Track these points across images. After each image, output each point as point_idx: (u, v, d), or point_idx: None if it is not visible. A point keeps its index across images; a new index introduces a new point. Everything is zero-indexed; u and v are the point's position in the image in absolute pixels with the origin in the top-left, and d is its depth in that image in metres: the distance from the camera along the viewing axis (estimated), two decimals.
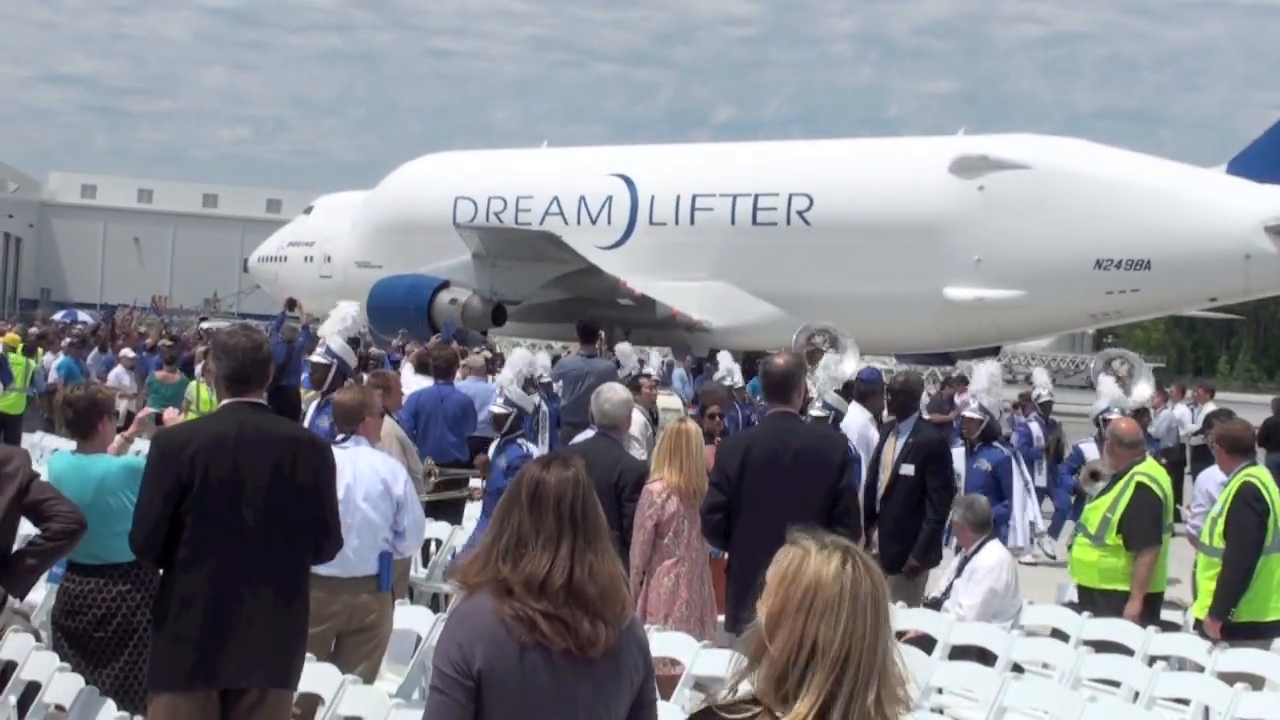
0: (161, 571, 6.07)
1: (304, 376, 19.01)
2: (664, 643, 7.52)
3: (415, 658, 7.87)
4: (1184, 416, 23.52)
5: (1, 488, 6.38)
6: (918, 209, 37.32)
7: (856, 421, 13.69)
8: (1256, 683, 8.19)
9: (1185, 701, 7.94)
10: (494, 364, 27.52)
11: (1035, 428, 19.18)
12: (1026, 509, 12.73)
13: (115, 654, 6.95)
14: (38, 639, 7.12)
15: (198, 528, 5.86)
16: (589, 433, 9.68)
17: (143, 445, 7.37)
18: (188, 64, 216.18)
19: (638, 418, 12.75)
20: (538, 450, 10.98)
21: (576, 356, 18.77)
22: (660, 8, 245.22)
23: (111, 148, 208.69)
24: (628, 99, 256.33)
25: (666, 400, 16.71)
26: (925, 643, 8.76)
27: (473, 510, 12.15)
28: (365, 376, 14.20)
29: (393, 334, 33.09)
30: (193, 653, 5.83)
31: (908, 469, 10.79)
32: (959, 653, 8.64)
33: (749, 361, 29.33)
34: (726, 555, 8.72)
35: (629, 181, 43.16)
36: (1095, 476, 12.89)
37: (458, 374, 15.74)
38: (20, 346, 22.16)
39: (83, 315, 55.70)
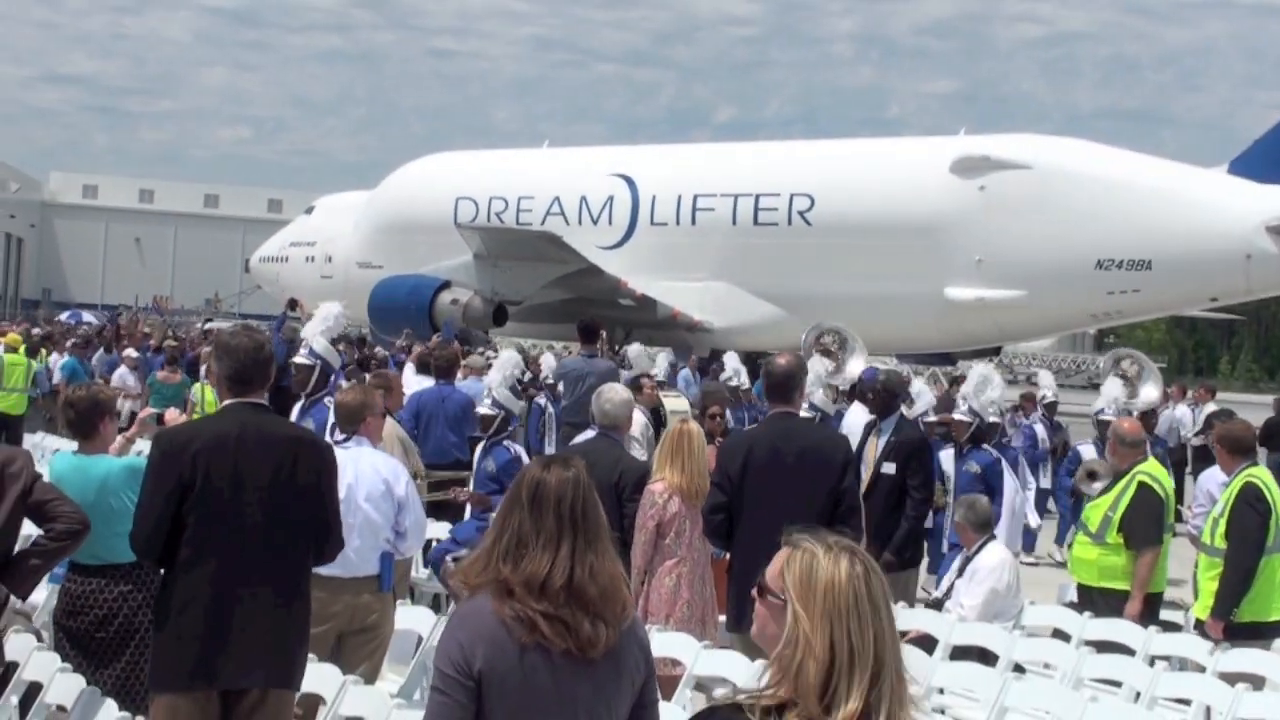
0: (162, 572, 6.07)
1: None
2: (665, 643, 7.52)
3: (416, 658, 7.87)
4: (1185, 417, 23.53)
5: (5, 489, 6.37)
6: (919, 209, 37.29)
7: (858, 421, 13.70)
8: (1258, 683, 8.19)
9: (1186, 702, 7.94)
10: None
11: (1040, 429, 19.15)
12: (1018, 512, 12.68)
13: (117, 654, 6.95)
14: (39, 639, 7.13)
15: (199, 528, 5.86)
16: (590, 433, 9.68)
17: (144, 446, 7.37)
18: (188, 64, 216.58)
19: (638, 418, 12.74)
20: (524, 451, 10.94)
21: (577, 357, 18.76)
22: (661, 8, 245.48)
23: (112, 148, 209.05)
24: (629, 99, 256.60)
25: (674, 403, 16.68)
26: (926, 643, 8.76)
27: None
28: (367, 377, 14.22)
29: (394, 334, 33.07)
30: (194, 653, 5.83)
31: (889, 468, 10.83)
32: (960, 653, 8.64)
33: (750, 362, 29.33)
34: (728, 556, 8.72)
35: (630, 182, 43.14)
36: (1092, 477, 12.88)
37: (459, 374, 15.75)
38: (23, 347, 22.14)
39: (87, 316, 55.76)
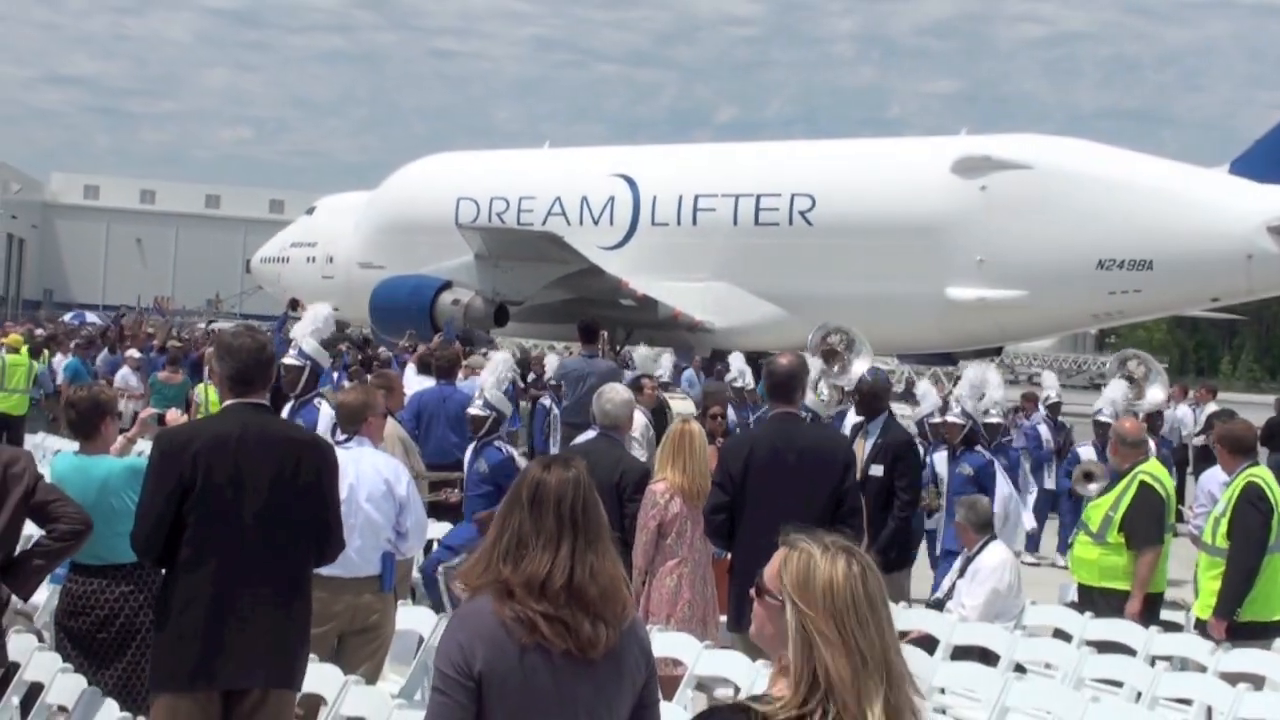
0: (163, 572, 6.07)
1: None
2: (666, 643, 7.52)
3: (418, 658, 7.87)
4: (1186, 417, 23.53)
5: (9, 489, 6.38)
6: (920, 209, 37.29)
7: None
8: (1259, 683, 8.20)
9: (1188, 702, 7.94)
10: None
11: (1045, 430, 19.13)
12: (1012, 515, 12.63)
13: (118, 655, 6.95)
14: (40, 640, 7.13)
15: (199, 528, 5.86)
16: (591, 433, 9.68)
17: (145, 446, 7.38)
18: (190, 65, 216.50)
19: (638, 418, 12.74)
20: (516, 452, 10.93)
21: (578, 357, 18.77)
22: (662, 8, 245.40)
23: (114, 148, 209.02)
24: (630, 99, 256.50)
25: (681, 405, 16.66)
26: (928, 643, 8.76)
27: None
28: (369, 377, 14.22)
29: (395, 335, 33.07)
30: (194, 653, 5.83)
31: (877, 469, 10.83)
32: (961, 653, 8.64)
33: (752, 363, 29.30)
34: (729, 555, 8.72)
35: (631, 182, 43.14)
36: (1088, 478, 12.87)
37: (460, 374, 15.76)
38: (25, 348, 22.13)
39: (91, 316, 55.82)
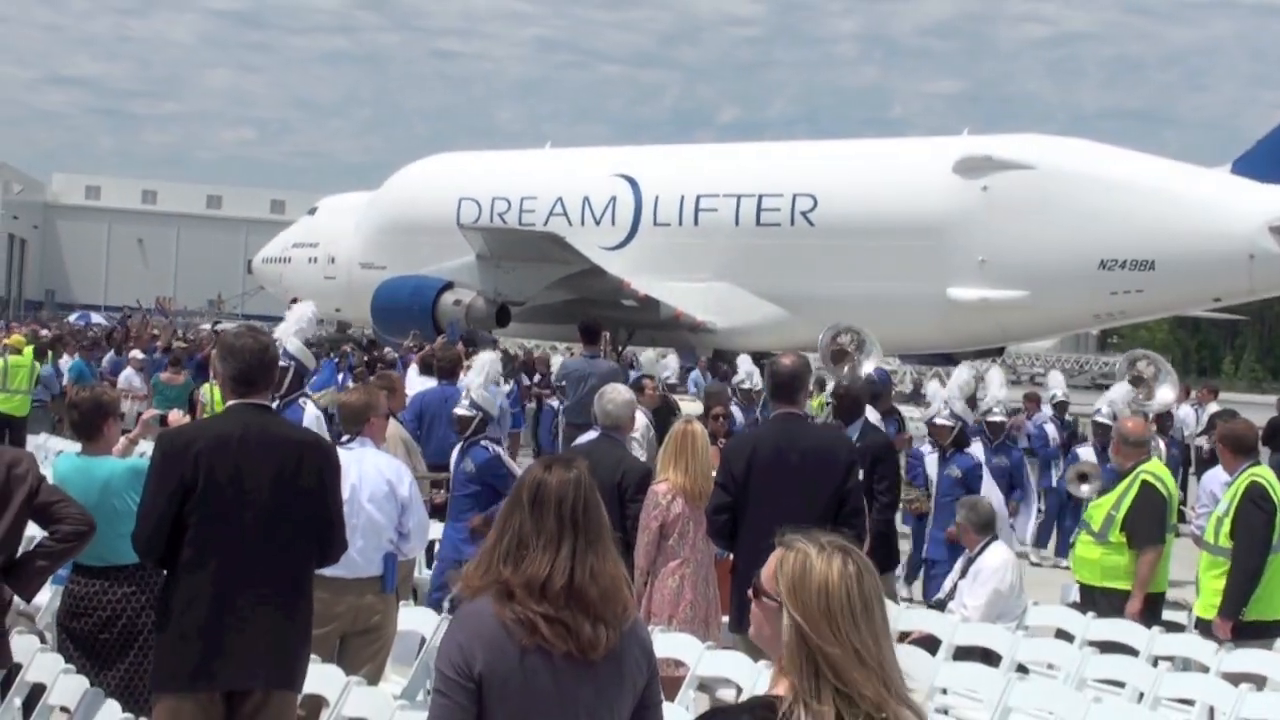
0: (165, 573, 6.07)
1: (322, 376, 19.07)
2: (668, 644, 7.52)
3: (419, 659, 7.86)
4: (1188, 417, 23.50)
5: (13, 490, 6.38)
6: (922, 209, 37.29)
7: None
8: (1261, 683, 8.19)
9: (1190, 702, 7.94)
10: (502, 365, 27.56)
11: (1051, 429, 19.12)
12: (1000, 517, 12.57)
13: (120, 656, 6.96)
14: (43, 641, 7.13)
15: (201, 529, 5.86)
16: (592, 433, 9.68)
17: (147, 447, 7.38)
18: (192, 66, 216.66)
19: (639, 419, 12.74)
20: (504, 450, 10.94)
21: (579, 358, 18.77)
22: (664, 9, 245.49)
23: (116, 149, 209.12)
24: (632, 100, 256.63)
25: (690, 406, 16.67)
26: (930, 643, 8.76)
27: None
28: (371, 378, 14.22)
29: (397, 335, 33.11)
30: (195, 654, 5.83)
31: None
32: (963, 653, 8.64)
33: (755, 364, 29.32)
34: (731, 556, 8.72)
35: (633, 182, 43.15)
36: (1083, 479, 12.85)
37: (462, 375, 15.74)
38: (27, 349, 22.08)
39: (96, 317, 55.86)
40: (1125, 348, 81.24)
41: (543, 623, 3.81)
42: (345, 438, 8.13)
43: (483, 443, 10.77)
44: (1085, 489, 12.77)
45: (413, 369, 19.30)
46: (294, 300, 28.01)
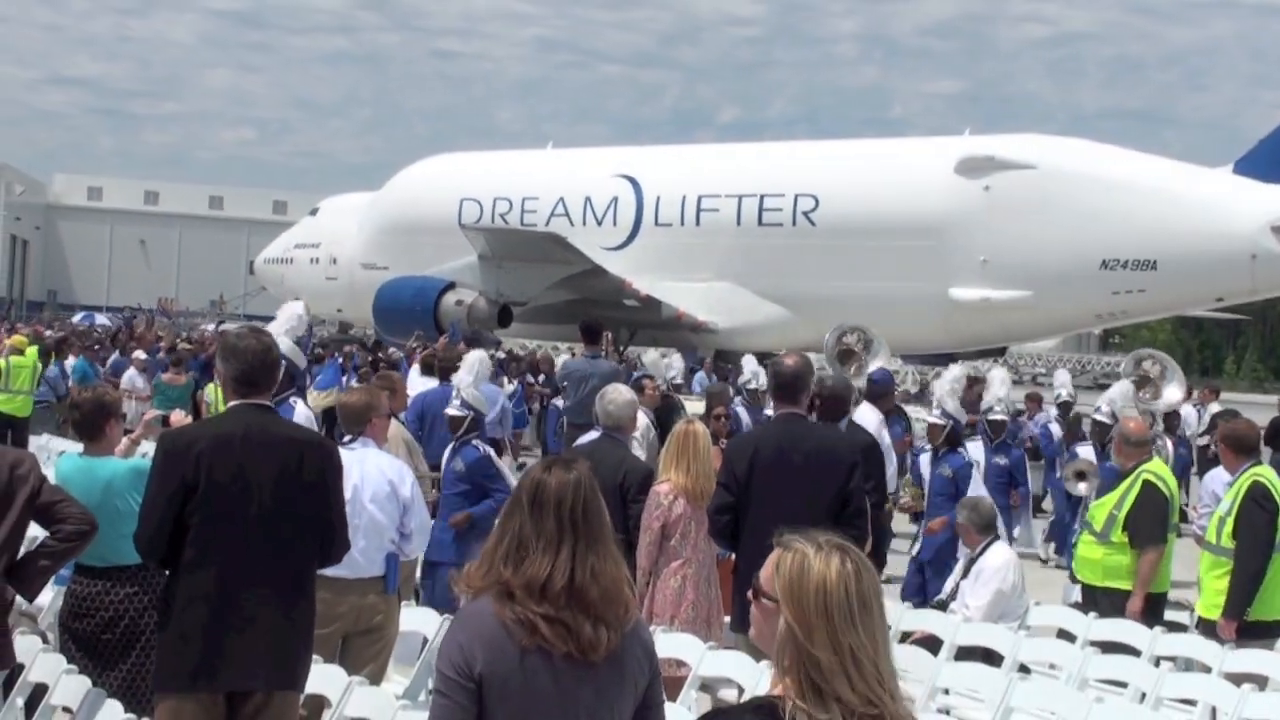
0: (167, 573, 6.07)
1: (327, 375, 19.07)
2: (670, 644, 7.52)
3: (421, 659, 7.86)
4: (1190, 417, 23.50)
5: (15, 491, 6.38)
6: (923, 209, 37.31)
7: (869, 423, 13.70)
8: (1263, 683, 8.19)
9: (1192, 702, 7.93)
10: (507, 365, 27.60)
11: (1056, 429, 19.12)
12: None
13: (122, 656, 6.96)
14: (45, 641, 7.14)
15: (203, 529, 5.86)
16: (594, 434, 9.68)
17: (150, 447, 7.38)
18: (193, 66, 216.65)
19: (640, 419, 12.75)
20: (494, 450, 10.95)
21: (581, 358, 18.77)
22: (665, 8, 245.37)
23: (117, 150, 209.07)
24: (633, 100, 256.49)
25: (696, 407, 16.64)
26: (932, 644, 8.76)
27: None
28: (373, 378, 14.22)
29: (399, 336, 33.11)
30: (197, 654, 5.83)
31: None
32: (965, 653, 8.64)
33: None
34: (734, 556, 8.71)
35: (634, 182, 43.17)
36: (1080, 477, 12.84)
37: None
38: (30, 349, 22.06)
39: (100, 318, 55.90)
40: (1127, 348, 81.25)
41: (543, 623, 3.81)
42: (347, 438, 8.13)
43: (474, 442, 10.82)
44: (1083, 486, 12.78)
45: (414, 369, 19.31)
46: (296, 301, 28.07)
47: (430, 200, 46.07)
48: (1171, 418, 17.59)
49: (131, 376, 23.36)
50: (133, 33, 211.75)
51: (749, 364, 21.49)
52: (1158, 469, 9.94)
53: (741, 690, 7.16)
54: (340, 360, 22.82)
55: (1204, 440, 21.07)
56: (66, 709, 6.41)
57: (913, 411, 19.69)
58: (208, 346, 26.97)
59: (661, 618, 8.43)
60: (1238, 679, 7.89)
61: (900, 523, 15.10)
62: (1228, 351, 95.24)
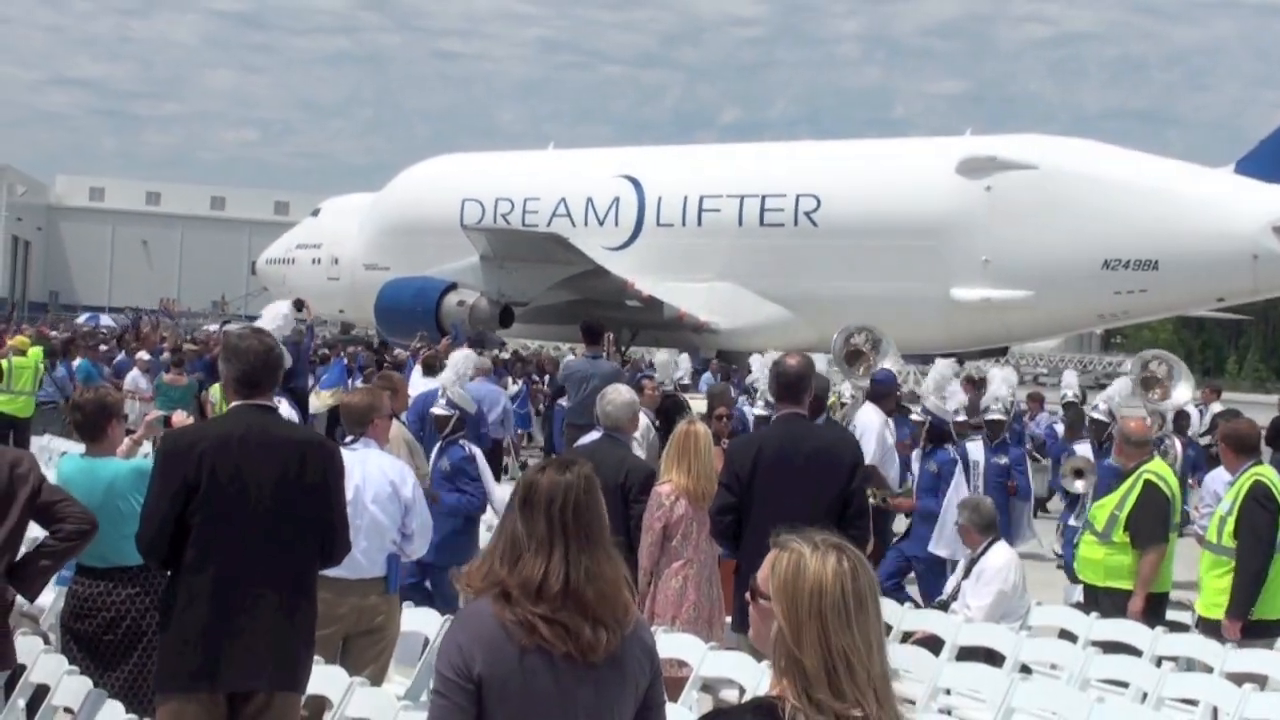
0: (168, 573, 6.07)
1: (332, 375, 19.06)
2: (672, 644, 7.51)
3: (423, 660, 7.86)
4: (1191, 417, 23.44)
5: (15, 490, 6.39)
6: (925, 210, 37.31)
7: (873, 423, 13.72)
8: (1263, 683, 8.19)
9: (1193, 702, 7.93)
10: (511, 366, 27.62)
11: (1061, 429, 19.08)
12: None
13: (124, 657, 6.96)
14: (46, 642, 7.14)
15: (204, 529, 5.86)
16: (595, 434, 9.69)
17: (151, 448, 7.38)
18: (195, 67, 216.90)
19: (640, 419, 12.76)
20: (479, 450, 10.98)
21: (582, 359, 18.77)
22: (667, 9, 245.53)
23: (119, 151, 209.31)
24: (635, 100, 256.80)
25: (704, 407, 16.64)
26: (933, 644, 8.76)
27: None
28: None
29: (400, 336, 33.10)
30: (197, 655, 5.83)
31: None
32: (966, 653, 8.64)
33: None
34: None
35: (636, 183, 43.16)
36: (1078, 475, 12.83)
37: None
38: (32, 350, 22.02)
39: (105, 319, 55.93)
40: (1129, 347, 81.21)
41: (542, 624, 3.82)
42: (349, 439, 8.13)
43: (460, 442, 10.86)
44: (1080, 484, 12.77)
45: (416, 370, 19.30)
46: (297, 300, 28.18)
47: (432, 201, 46.07)
48: (1181, 418, 17.54)
49: (135, 377, 23.35)
50: (134, 33, 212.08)
51: (757, 364, 21.48)
52: (1159, 469, 9.93)
53: (743, 691, 7.17)
54: (345, 360, 22.84)
55: (1205, 440, 21.02)
56: (68, 710, 6.41)
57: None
58: (213, 347, 26.95)
59: (663, 618, 8.43)
60: (1239, 679, 7.89)
61: (901, 524, 15.08)
62: (1229, 351, 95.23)
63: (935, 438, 12.90)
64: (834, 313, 30.12)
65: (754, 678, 6.89)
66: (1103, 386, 27.35)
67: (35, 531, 6.73)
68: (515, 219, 44.47)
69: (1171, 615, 9.96)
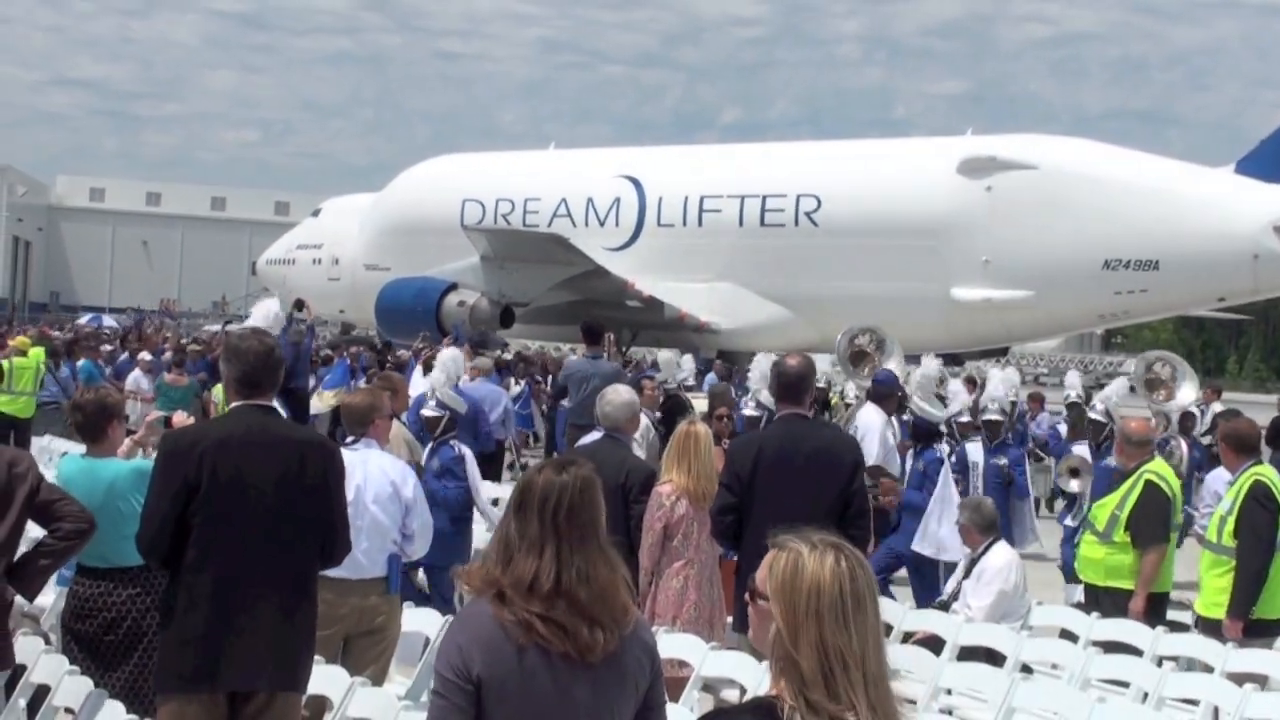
0: (168, 574, 6.07)
1: (335, 375, 19.09)
2: (672, 644, 7.52)
3: (424, 660, 7.87)
4: None
5: (14, 488, 6.39)
6: (925, 210, 37.29)
7: (874, 424, 13.73)
8: (1264, 683, 8.19)
9: (1194, 702, 7.93)
10: (514, 366, 27.61)
11: (1065, 429, 19.07)
12: (948, 520, 12.44)
13: (125, 657, 6.96)
14: (47, 642, 7.14)
15: (205, 530, 5.86)
16: (596, 434, 9.69)
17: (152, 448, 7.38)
18: (195, 67, 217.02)
19: (640, 419, 12.76)
20: (468, 450, 11.01)
21: (582, 359, 18.77)
22: (668, 9, 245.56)
23: (120, 151, 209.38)
24: (635, 100, 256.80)
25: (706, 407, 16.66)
26: (934, 644, 8.76)
27: None
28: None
29: (401, 337, 33.08)
30: (198, 655, 5.83)
31: None
32: (967, 653, 8.64)
33: None
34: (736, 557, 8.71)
35: (637, 183, 43.14)
36: (1073, 474, 12.82)
37: (465, 376, 15.76)
38: (32, 350, 22.00)
39: (108, 320, 55.98)
40: (1129, 348, 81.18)
41: (539, 622, 3.83)
42: (350, 439, 8.14)
43: (450, 442, 10.88)
44: (1075, 484, 12.76)
45: (418, 370, 19.31)
46: (298, 300, 28.23)
47: (433, 201, 46.05)
48: (1187, 419, 17.52)
49: (137, 378, 23.34)
50: (135, 34, 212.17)
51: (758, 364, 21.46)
52: (1159, 469, 9.93)
53: (744, 690, 7.17)
54: (349, 361, 22.87)
55: (1205, 440, 21.01)
56: (69, 710, 6.41)
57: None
58: (215, 347, 26.95)
59: (663, 618, 8.43)
60: (1240, 679, 7.89)
61: None
62: (1230, 351, 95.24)
63: (921, 437, 12.94)
64: (834, 313, 30.09)
65: (755, 678, 6.89)
66: (1103, 386, 27.34)
67: (35, 532, 6.73)
68: (516, 219, 44.46)
69: (1172, 615, 9.96)
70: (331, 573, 6.64)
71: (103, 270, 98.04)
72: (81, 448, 7.64)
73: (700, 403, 17.32)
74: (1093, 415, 15.86)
